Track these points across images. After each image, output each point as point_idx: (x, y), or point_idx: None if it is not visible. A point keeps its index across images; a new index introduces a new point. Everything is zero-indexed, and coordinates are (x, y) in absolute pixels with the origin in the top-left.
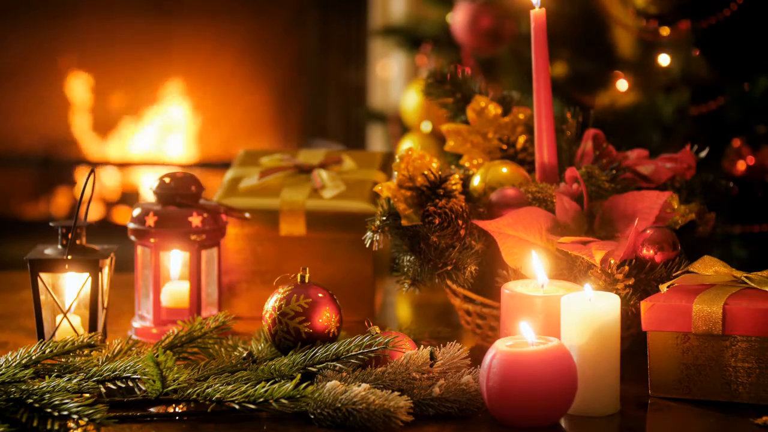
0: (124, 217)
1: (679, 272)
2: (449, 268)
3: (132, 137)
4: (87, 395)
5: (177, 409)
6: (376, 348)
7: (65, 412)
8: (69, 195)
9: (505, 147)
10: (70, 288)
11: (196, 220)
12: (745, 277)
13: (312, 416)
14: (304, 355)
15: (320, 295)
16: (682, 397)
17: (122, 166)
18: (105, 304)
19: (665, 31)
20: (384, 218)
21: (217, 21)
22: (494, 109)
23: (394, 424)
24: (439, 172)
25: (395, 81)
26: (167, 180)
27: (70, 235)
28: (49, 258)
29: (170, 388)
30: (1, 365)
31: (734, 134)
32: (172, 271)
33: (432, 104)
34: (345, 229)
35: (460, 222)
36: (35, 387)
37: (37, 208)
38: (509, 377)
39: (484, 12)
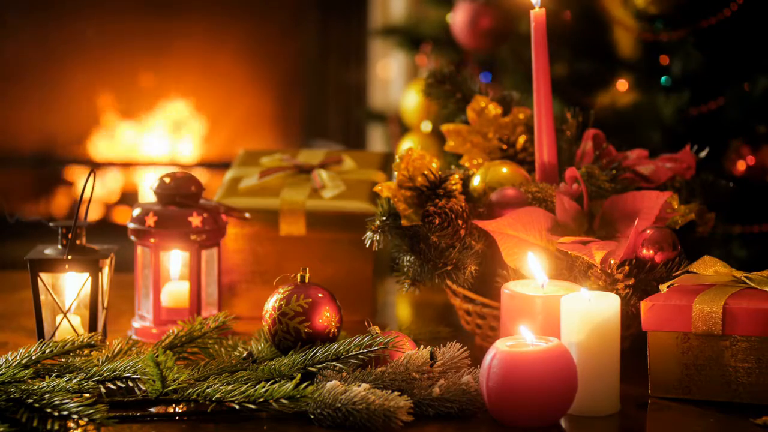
0: (124, 217)
1: (679, 272)
2: (449, 268)
3: (132, 137)
4: (87, 395)
5: (177, 409)
6: (376, 348)
7: (65, 412)
8: (69, 195)
9: (505, 147)
10: (70, 288)
11: (196, 220)
12: (745, 277)
13: (312, 416)
14: (304, 355)
15: (320, 295)
16: (682, 397)
17: (122, 166)
18: (105, 304)
19: (665, 31)
20: (384, 218)
21: (217, 20)
22: (494, 109)
23: (394, 424)
24: (439, 172)
25: (395, 81)
26: (167, 180)
27: (70, 235)
28: (49, 258)
29: (170, 388)
30: (1, 365)
31: (734, 134)
32: (172, 271)
33: (432, 104)
34: (345, 229)
35: (460, 222)
36: (35, 387)
37: (37, 208)
38: (509, 377)
39: (484, 12)
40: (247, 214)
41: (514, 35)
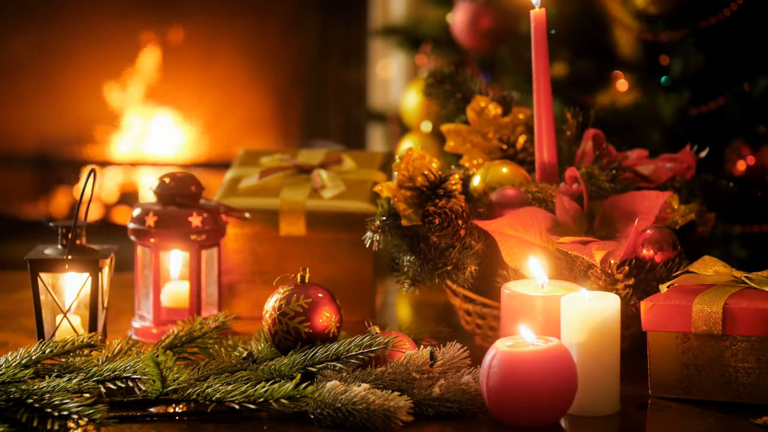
0: (124, 217)
1: (679, 272)
2: (449, 268)
3: (132, 137)
4: (87, 395)
5: (177, 409)
6: (376, 348)
7: (65, 412)
8: (69, 195)
9: (505, 147)
10: (70, 288)
11: (196, 220)
12: (745, 277)
13: (312, 416)
14: (304, 355)
15: (320, 295)
16: (682, 397)
17: (122, 166)
18: (105, 304)
19: (665, 31)
20: (384, 218)
21: (217, 20)
22: (494, 109)
23: (394, 424)
24: (439, 172)
25: (395, 81)
26: (167, 180)
27: (70, 235)
28: (49, 258)
29: (170, 388)
30: (1, 365)
31: (734, 134)
32: (172, 271)
33: (432, 104)
34: (345, 229)
35: (460, 222)
36: (35, 387)
37: (37, 208)
38: (509, 377)
39: (484, 12)
40: (247, 214)
41: (514, 35)
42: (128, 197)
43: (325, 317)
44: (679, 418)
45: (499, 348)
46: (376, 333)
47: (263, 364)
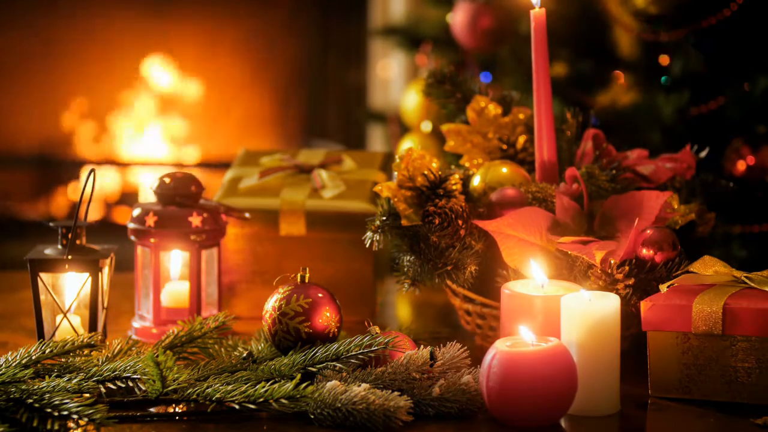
0: (124, 217)
1: (679, 272)
2: (449, 268)
3: (132, 137)
4: (87, 395)
5: (177, 409)
6: (376, 348)
7: (65, 412)
8: (69, 195)
9: (505, 147)
10: (70, 288)
11: (196, 220)
12: (745, 277)
13: (312, 416)
14: (304, 355)
15: (320, 295)
16: (682, 397)
17: (122, 166)
18: (105, 304)
19: (665, 31)
20: (384, 218)
21: (217, 20)
22: (494, 109)
23: (394, 424)
24: (439, 172)
25: (395, 81)
26: (167, 180)
27: (70, 235)
28: (49, 258)
29: (170, 388)
30: (1, 365)
31: (734, 134)
32: (172, 271)
33: (432, 104)
34: (345, 229)
35: (460, 222)
36: (35, 387)
37: (37, 208)
38: (509, 377)
39: (484, 12)
40: (247, 214)
41: (514, 35)
42: (128, 197)
43: (325, 317)
44: (679, 418)
45: (499, 348)
46: (376, 333)
47: (263, 364)
